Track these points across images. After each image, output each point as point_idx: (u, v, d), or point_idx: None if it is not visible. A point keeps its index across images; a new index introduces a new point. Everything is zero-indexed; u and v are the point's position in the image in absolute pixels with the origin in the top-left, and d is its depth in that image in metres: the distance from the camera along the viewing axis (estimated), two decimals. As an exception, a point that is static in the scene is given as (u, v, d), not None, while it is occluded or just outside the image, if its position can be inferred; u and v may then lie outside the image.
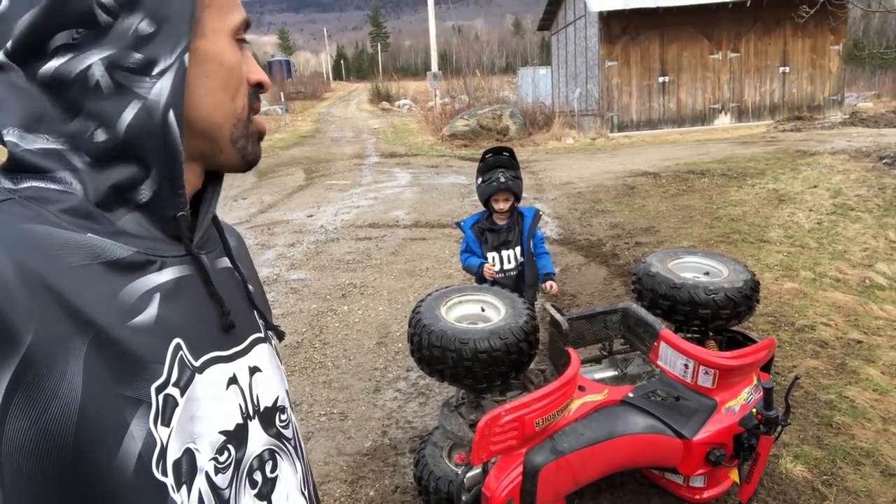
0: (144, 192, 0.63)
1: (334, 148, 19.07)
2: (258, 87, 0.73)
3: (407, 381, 4.10)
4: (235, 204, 10.68)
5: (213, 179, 0.75)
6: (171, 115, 0.62)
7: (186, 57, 0.63)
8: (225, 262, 0.77)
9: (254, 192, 11.76)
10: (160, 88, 0.62)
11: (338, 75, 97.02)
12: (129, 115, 0.61)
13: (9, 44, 0.58)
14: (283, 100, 30.52)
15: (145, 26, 0.61)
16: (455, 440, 2.77)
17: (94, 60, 0.60)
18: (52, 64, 0.58)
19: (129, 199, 0.63)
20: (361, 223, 8.71)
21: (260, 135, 0.74)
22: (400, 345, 4.62)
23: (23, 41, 0.58)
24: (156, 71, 0.62)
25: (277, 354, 0.83)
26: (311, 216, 9.35)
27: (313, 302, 5.69)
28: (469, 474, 2.33)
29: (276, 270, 6.69)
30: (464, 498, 2.27)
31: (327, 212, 9.61)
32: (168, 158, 0.63)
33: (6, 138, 0.59)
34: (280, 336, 0.84)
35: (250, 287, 0.80)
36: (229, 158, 0.72)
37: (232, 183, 12.60)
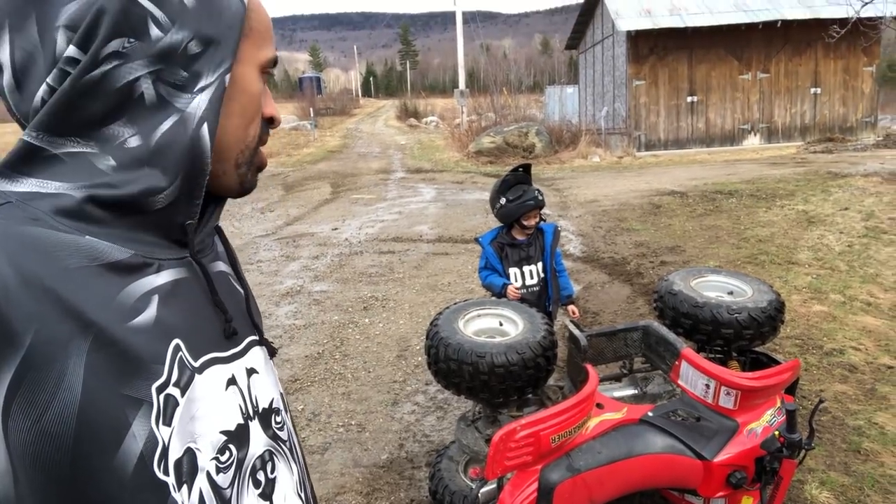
0: (161, 200, 0.64)
1: (361, 163, 19.25)
2: (270, 122, 0.76)
3: (425, 395, 4.09)
4: (262, 216, 10.81)
5: (214, 197, 0.75)
6: (205, 127, 0.65)
7: (227, 77, 0.66)
8: (219, 265, 0.78)
9: (281, 205, 11.90)
10: (198, 103, 0.64)
11: (367, 92, 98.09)
12: (165, 126, 0.63)
13: (70, 50, 0.59)
14: (312, 115, 30.95)
15: (194, 46, 0.63)
16: (471, 454, 2.74)
17: (141, 73, 0.61)
18: (100, 70, 0.59)
19: (145, 204, 0.63)
20: (385, 237, 8.75)
21: (260, 166, 0.77)
22: (419, 358, 4.62)
23: (83, 46, 0.59)
24: (197, 87, 0.64)
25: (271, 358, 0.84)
26: (335, 229, 9.43)
27: (335, 314, 5.72)
28: (483, 489, 2.31)
29: (300, 282, 6.75)
30: (478, 513, 2.24)
31: (352, 225, 9.68)
32: (194, 169, 0.65)
33: (26, 139, 0.60)
34: (272, 352, 0.84)
35: (248, 296, 0.81)
36: (229, 182, 0.73)
37: (259, 196, 12.78)
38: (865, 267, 6.01)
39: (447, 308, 2.78)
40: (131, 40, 0.60)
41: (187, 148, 0.64)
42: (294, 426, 0.85)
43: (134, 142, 0.62)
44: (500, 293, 3.36)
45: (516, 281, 3.40)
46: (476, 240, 3.65)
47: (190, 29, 0.63)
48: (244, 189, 0.76)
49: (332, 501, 3.06)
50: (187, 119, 0.64)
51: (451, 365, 2.44)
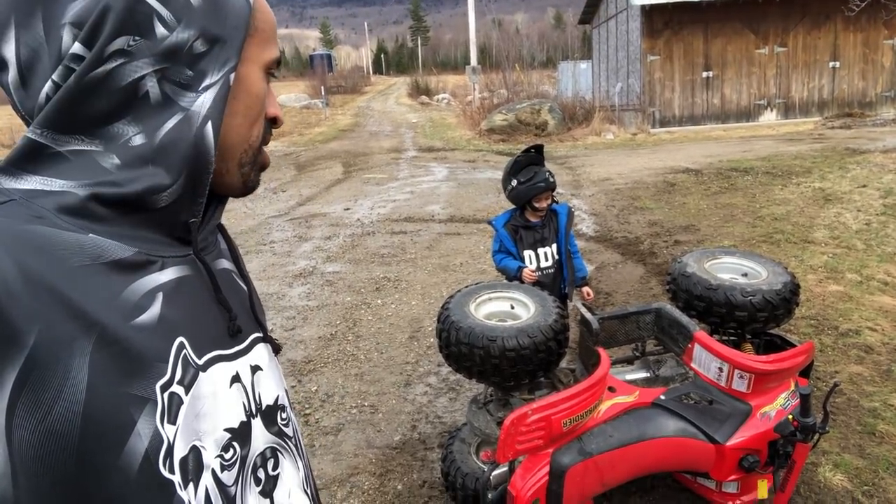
0: (165, 198, 0.64)
1: (372, 142, 19.19)
2: (273, 122, 0.76)
3: (438, 376, 4.11)
4: (275, 196, 10.83)
5: (217, 196, 0.76)
6: (209, 126, 0.65)
7: (232, 76, 0.66)
8: (222, 263, 0.78)
9: (293, 185, 11.91)
10: (202, 102, 0.64)
11: (378, 69, 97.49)
12: (169, 124, 0.63)
13: (75, 47, 0.59)
14: (323, 94, 30.84)
15: (199, 45, 0.63)
16: (482, 437, 2.76)
17: (146, 71, 0.61)
18: (105, 68, 0.59)
19: (149, 202, 0.63)
20: (397, 217, 8.75)
21: (263, 166, 0.77)
22: (432, 339, 4.63)
23: (88, 43, 0.59)
24: (202, 86, 0.64)
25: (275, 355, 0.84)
26: (347, 209, 9.43)
27: (347, 295, 5.74)
28: (495, 472, 2.32)
29: (313, 263, 6.77)
30: (489, 496, 2.26)
31: (364, 205, 9.67)
32: (198, 167, 0.65)
33: (31, 136, 0.60)
34: (276, 349, 0.84)
35: (252, 293, 0.81)
36: (232, 181, 0.73)
37: (273, 176, 12.79)
38: (883, 245, 5.93)
39: (458, 291, 2.78)
40: (137, 38, 0.60)
41: (191, 146, 0.64)
42: (297, 423, 0.86)
43: (138, 140, 0.62)
44: (515, 276, 3.35)
45: (531, 264, 3.39)
46: (489, 222, 3.63)
47: (196, 28, 0.63)
48: (247, 188, 0.76)
49: (346, 482, 3.09)
50: (192, 118, 0.64)
51: (462, 349, 2.44)
